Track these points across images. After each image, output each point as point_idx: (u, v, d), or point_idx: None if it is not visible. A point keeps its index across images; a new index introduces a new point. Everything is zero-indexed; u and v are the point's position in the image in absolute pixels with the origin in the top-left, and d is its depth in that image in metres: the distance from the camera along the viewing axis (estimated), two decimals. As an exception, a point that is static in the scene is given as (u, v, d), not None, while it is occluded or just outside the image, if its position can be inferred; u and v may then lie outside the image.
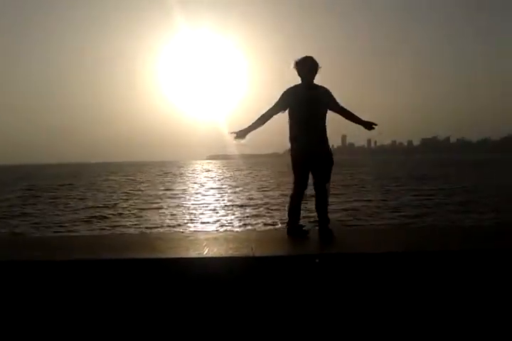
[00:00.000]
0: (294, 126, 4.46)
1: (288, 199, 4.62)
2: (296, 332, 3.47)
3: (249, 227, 14.05)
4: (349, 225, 13.91)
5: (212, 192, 29.68)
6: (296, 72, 4.47)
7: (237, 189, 31.17)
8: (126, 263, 3.63)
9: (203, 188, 34.23)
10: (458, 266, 3.59)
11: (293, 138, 4.47)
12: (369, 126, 4.50)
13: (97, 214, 18.15)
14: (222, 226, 14.69)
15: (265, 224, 14.57)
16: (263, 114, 4.52)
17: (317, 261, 3.54)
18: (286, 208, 4.61)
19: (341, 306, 3.53)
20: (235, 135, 4.54)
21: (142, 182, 42.05)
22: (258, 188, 31.20)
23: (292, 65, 4.47)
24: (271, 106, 4.50)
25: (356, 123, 4.54)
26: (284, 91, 4.48)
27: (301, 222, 4.64)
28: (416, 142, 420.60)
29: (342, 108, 4.54)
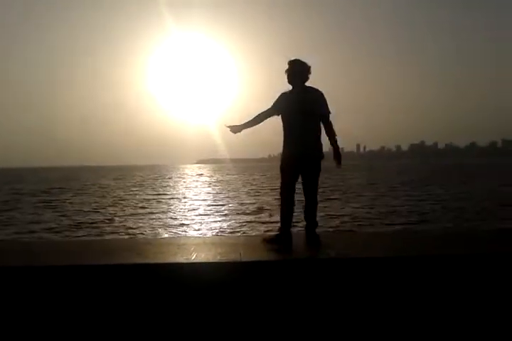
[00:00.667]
0: (285, 130, 4.48)
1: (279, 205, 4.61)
2: (285, 338, 3.48)
3: (237, 232, 14.03)
4: (340, 230, 13.95)
5: (202, 196, 29.66)
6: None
7: (228, 193, 31.14)
8: (113, 268, 3.61)
9: (193, 192, 34.17)
10: (436, 270, 3.63)
11: (284, 142, 4.49)
12: (336, 159, 4.43)
13: (85, 219, 18.00)
14: (210, 231, 14.65)
15: (253, 229, 14.56)
16: (259, 114, 4.55)
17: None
18: (279, 214, 4.55)
19: (329, 311, 3.55)
20: (230, 129, 4.54)
21: (134, 186, 41.78)
22: (248, 193, 31.21)
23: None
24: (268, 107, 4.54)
25: (330, 143, 4.46)
26: (279, 95, 4.50)
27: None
28: (404, 147, 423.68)
29: (327, 119, 4.44)
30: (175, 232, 14.46)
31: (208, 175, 79.76)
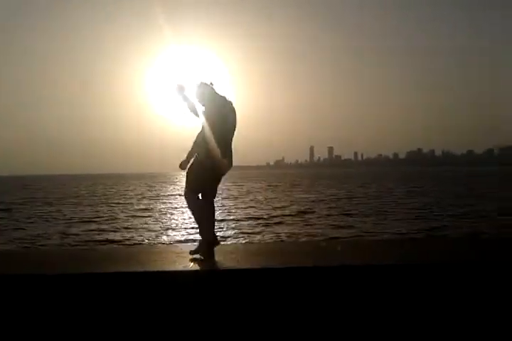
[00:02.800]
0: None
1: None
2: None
3: (235, 240, 14.01)
4: (342, 238, 13.95)
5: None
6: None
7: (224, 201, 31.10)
8: (112, 276, 3.62)
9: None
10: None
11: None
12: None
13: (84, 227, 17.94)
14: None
15: (251, 236, 14.54)
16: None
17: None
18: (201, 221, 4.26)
19: (330, 319, 3.56)
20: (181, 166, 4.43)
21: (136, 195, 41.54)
22: (244, 201, 31.17)
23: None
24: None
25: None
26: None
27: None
28: (401, 155, 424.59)
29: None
30: (172, 240, 14.43)
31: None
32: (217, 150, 4.13)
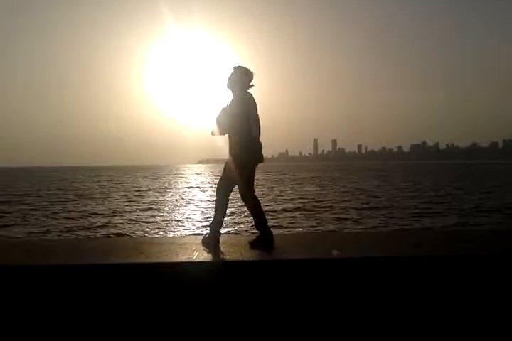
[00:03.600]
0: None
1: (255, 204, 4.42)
2: (285, 336, 3.47)
3: (239, 232, 14.02)
4: (342, 231, 13.94)
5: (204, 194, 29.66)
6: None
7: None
8: (115, 267, 3.60)
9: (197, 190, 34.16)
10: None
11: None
12: None
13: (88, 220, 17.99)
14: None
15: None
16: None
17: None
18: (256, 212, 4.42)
19: (331, 310, 3.54)
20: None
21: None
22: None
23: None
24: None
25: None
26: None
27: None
28: (406, 148, 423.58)
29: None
30: (175, 232, 14.45)
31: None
32: (253, 143, 4.30)
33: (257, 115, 4.37)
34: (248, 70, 4.42)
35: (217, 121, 4.40)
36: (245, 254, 3.88)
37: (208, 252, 4.02)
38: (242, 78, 4.38)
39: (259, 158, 4.37)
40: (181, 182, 49.04)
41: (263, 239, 4.36)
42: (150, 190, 37.14)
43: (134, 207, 22.34)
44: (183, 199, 27.01)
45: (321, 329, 3.49)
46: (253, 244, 4.28)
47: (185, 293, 3.53)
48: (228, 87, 4.43)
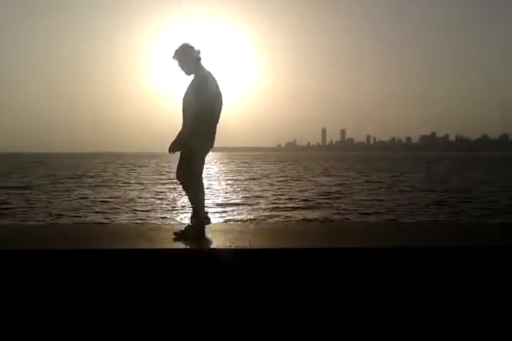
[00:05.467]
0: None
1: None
2: (293, 324, 3.45)
3: (246, 219, 14.03)
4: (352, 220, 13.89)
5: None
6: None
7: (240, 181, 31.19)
8: (122, 253, 3.59)
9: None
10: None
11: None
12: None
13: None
14: (220, 217, 14.66)
15: (264, 216, 14.56)
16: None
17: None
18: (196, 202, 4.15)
19: (337, 299, 3.51)
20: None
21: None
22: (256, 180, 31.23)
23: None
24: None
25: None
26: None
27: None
28: (415, 139, 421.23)
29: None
30: (184, 218, 14.49)
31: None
32: (205, 131, 4.01)
33: (216, 97, 4.04)
34: (187, 44, 4.05)
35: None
36: (254, 242, 3.85)
37: (216, 239, 4.00)
38: (191, 51, 4.03)
39: (208, 145, 4.08)
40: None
41: (191, 229, 4.10)
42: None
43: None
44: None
45: (330, 317, 3.47)
46: (182, 233, 4.07)
47: (193, 280, 3.51)
48: (181, 67, 4.06)
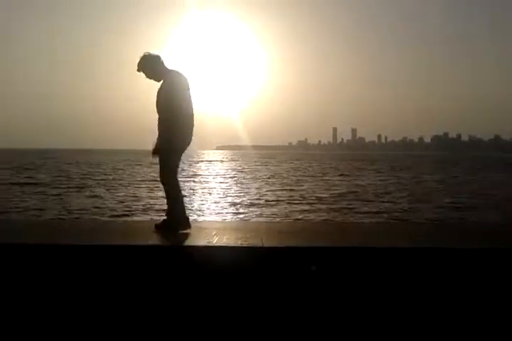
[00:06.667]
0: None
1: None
2: (302, 323, 3.46)
3: (259, 218, 14.04)
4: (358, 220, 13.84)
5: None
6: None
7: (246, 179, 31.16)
8: (134, 249, 3.62)
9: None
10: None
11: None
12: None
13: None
14: (232, 215, 14.68)
15: (275, 215, 14.56)
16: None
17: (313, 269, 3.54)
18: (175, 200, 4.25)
19: (348, 298, 3.52)
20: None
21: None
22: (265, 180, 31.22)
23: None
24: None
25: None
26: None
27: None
28: (427, 139, 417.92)
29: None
30: (195, 216, 14.54)
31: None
32: (182, 130, 4.13)
33: (186, 95, 4.17)
34: (148, 53, 4.21)
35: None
36: (265, 240, 3.86)
37: (227, 237, 4.02)
38: (153, 60, 4.18)
39: (183, 143, 4.21)
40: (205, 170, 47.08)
41: (165, 225, 4.22)
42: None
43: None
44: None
45: (337, 316, 3.48)
46: (159, 229, 4.20)
47: (204, 277, 3.53)
48: (150, 77, 4.23)
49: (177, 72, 4.22)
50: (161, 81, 4.24)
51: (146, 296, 3.52)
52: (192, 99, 4.24)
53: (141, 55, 4.21)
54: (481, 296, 3.51)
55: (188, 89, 4.21)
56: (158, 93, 4.22)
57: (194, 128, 4.26)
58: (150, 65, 4.19)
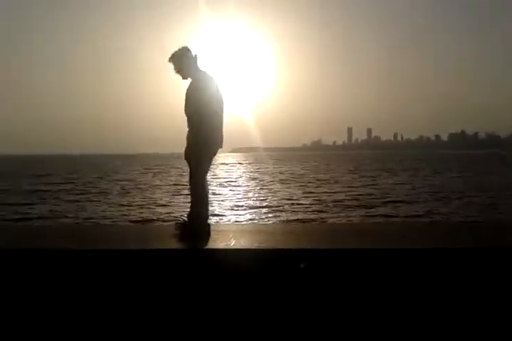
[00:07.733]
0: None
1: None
2: (316, 323, 3.50)
3: (275, 221, 14.03)
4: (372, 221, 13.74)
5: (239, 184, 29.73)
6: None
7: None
8: (153, 253, 3.68)
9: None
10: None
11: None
12: None
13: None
14: (250, 219, 14.69)
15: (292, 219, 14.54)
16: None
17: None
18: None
19: (362, 298, 3.54)
20: None
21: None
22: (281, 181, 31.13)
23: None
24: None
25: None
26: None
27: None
28: (444, 137, 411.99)
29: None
30: (213, 219, 14.59)
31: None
32: (211, 132, 4.09)
33: (216, 97, 4.12)
34: (185, 47, 4.17)
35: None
36: (281, 242, 3.91)
37: (245, 239, 4.07)
38: (189, 55, 4.13)
39: (213, 146, 4.18)
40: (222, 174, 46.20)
41: (187, 226, 4.23)
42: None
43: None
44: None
45: (350, 315, 3.50)
46: (179, 229, 4.23)
47: (222, 279, 3.58)
48: (178, 70, 4.15)
49: (206, 73, 4.17)
50: (188, 79, 4.18)
51: (166, 299, 3.57)
52: (223, 100, 4.18)
53: (181, 46, 4.18)
54: (480, 296, 3.51)
55: (218, 91, 4.16)
56: (186, 95, 4.16)
57: (223, 131, 4.21)
58: (185, 58, 4.13)
